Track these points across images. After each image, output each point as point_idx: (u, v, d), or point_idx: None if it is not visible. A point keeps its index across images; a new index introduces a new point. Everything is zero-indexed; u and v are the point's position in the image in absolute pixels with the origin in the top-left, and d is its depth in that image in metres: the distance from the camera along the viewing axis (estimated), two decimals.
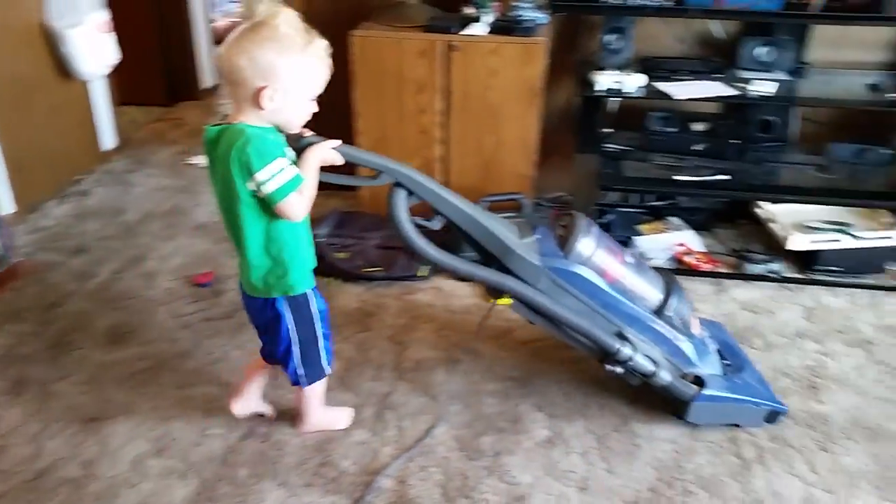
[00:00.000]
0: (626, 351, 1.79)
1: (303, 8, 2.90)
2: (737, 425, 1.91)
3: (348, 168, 1.67)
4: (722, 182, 2.57)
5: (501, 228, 1.78)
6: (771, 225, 2.71)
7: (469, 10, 2.60)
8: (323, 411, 1.88)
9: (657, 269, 1.99)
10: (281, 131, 1.56)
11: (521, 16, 2.52)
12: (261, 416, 1.94)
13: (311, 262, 1.68)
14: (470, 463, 1.79)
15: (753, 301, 2.48)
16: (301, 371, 1.74)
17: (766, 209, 2.76)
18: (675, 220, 2.84)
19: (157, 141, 3.92)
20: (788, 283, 2.58)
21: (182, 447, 1.84)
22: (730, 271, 2.64)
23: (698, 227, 2.87)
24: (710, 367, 1.91)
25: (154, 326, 2.31)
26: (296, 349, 1.70)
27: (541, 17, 2.54)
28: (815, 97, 2.69)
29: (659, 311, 1.87)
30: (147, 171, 3.52)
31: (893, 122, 2.85)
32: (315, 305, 1.69)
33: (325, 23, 1.58)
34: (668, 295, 1.88)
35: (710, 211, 2.92)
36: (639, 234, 2.77)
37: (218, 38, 5.50)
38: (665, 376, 1.83)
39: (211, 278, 2.54)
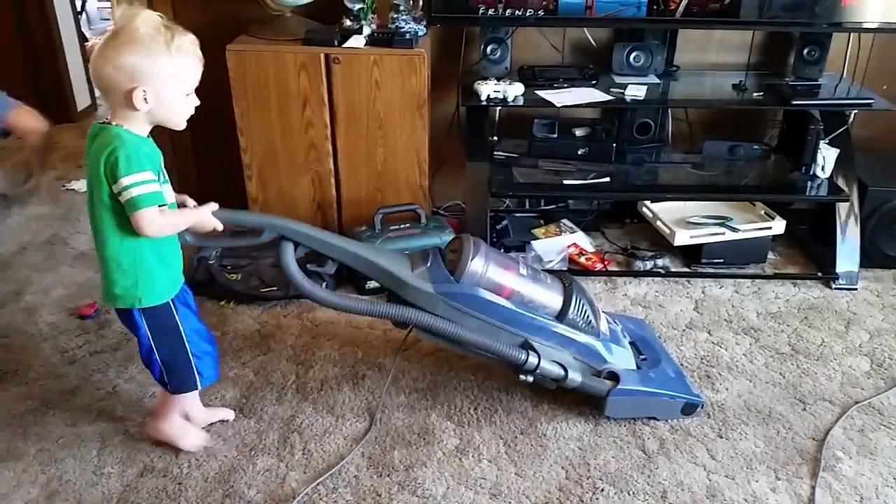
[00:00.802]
0: (532, 360, 1.84)
1: (173, 19, 2.83)
2: (654, 418, 1.97)
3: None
4: (605, 184, 2.67)
5: (391, 263, 1.84)
6: (656, 223, 2.82)
7: (348, 23, 2.59)
8: (177, 423, 1.83)
9: (557, 274, 2.04)
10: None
11: (400, 27, 2.54)
12: (223, 421, 1.94)
13: (169, 277, 1.66)
14: (381, 480, 1.77)
15: (645, 296, 2.58)
16: (166, 379, 1.72)
17: (650, 208, 2.87)
18: (566, 223, 2.92)
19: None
20: (676, 277, 2.70)
21: (76, 489, 1.73)
22: (621, 269, 2.73)
23: (589, 228, 2.97)
24: (623, 362, 1.97)
25: (38, 364, 2.17)
26: (157, 356, 1.69)
27: (420, 28, 2.56)
28: (685, 98, 2.84)
29: (561, 316, 1.91)
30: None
31: (759, 118, 3.05)
32: (178, 320, 1.67)
33: (196, 37, 1.55)
34: (567, 298, 1.93)
35: (599, 212, 3.03)
36: (534, 237, 2.83)
37: None
38: (576, 377, 1.88)
39: (95, 309, 2.41)
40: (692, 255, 2.76)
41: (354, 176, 2.66)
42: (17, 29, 3.90)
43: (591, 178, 2.68)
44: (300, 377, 2.12)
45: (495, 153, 2.82)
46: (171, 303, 1.66)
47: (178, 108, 1.57)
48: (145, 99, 1.49)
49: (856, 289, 2.62)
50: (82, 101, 4.49)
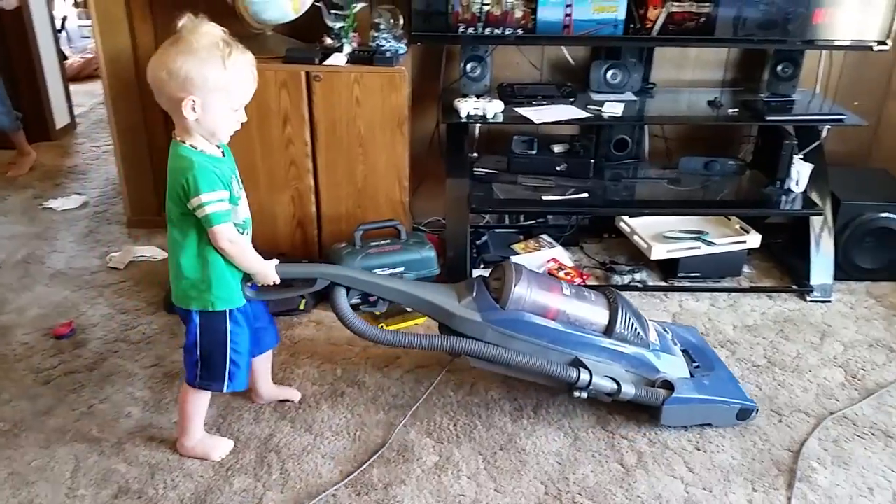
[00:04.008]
0: (584, 377, 1.87)
1: (153, 41, 2.84)
2: (710, 425, 1.99)
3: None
4: (584, 200, 2.69)
5: (438, 296, 1.92)
6: (634, 237, 2.85)
7: (329, 41, 2.61)
8: (199, 438, 1.89)
9: (601, 290, 2.08)
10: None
11: (380, 46, 2.56)
12: (284, 401, 2.06)
13: (238, 288, 1.75)
14: (360, 499, 1.76)
15: None
16: (198, 370, 1.79)
17: (628, 222, 2.90)
18: (546, 238, 2.94)
19: (7, 186, 3.67)
20: (654, 291, 2.72)
21: None
22: (599, 284, 2.75)
23: (568, 243, 2.99)
24: (676, 370, 1.99)
25: (11, 385, 2.14)
26: (198, 350, 1.76)
27: (401, 47, 2.58)
28: (661, 115, 2.88)
29: (608, 331, 1.94)
30: None
31: (734, 134, 3.09)
32: (229, 328, 1.75)
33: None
34: (613, 313, 1.96)
35: (578, 227, 3.05)
36: (514, 253, 2.84)
37: (72, 76, 5.26)
38: (629, 390, 1.91)
39: (71, 328, 2.39)
40: (669, 270, 2.78)
41: (335, 192, 2.66)
42: None
43: (570, 194, 2.70)
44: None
45: (475, 169, 2.83)
46: (227, 312, 1.74)
47: (224, 123, 1.63)
48: (193, 108, 1.56)
49: (830, 301, 2.65)
50: (61, 119, 4.47)
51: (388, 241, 2.57)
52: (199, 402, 1.86)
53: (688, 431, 1.99)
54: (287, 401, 2.07)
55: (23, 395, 2.10)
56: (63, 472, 1.82)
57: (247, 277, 1.76)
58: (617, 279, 2.75)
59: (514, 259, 2.74)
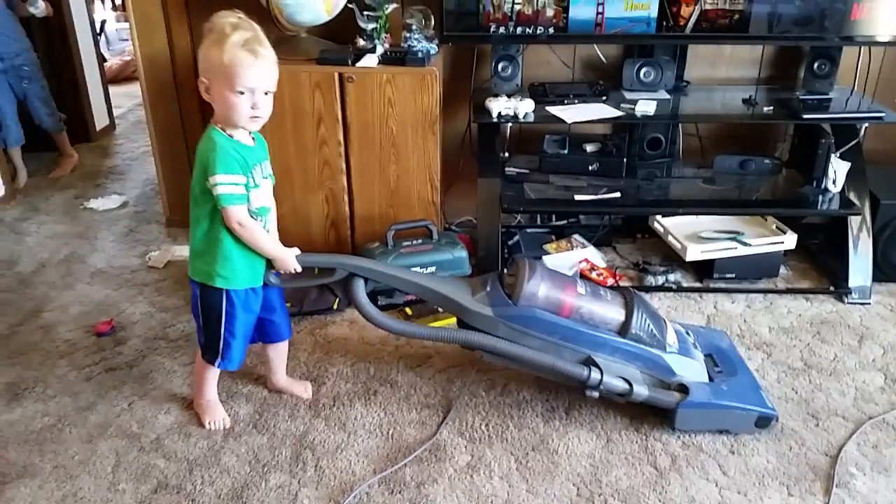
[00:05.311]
0: (595, 376, 1.87)
1: (189, 43, 2.89)
2: (727, 431, 1.98)
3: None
4: (616, 199, 2.67)
5: (453, 290, 1.94)
6: (668, 237, 2.82)
7: (362, 43, 2.63)
8: (205, 399, 2.01)
9: (618, 290, 2.07)
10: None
11: (412, 46, 2.57)
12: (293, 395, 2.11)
13: (244, 272, 1.81)
14: (392, 497, 1.78)
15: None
16: (202, 340, 1.92)
17: (662, 222, 2.88)
18: (578, 238, 2.93)
19: (49, 186, 3.77)
20: (688, 292, 2.69)
21: None
22: (633, 284, 2.73)
23: (600, 243, 2.97)
24: (693, 374, 1.97)
25: (55, 381, 2.20)
26: (200, 320, 1.88)
27: (432, 47, 2.60)
28: (696, 113, 2.85)
29: (623, 331, 1.93)
30: (40, 219, 3.38)
31: (770, 132, 3.05)
32: (224, 310, 1.82)
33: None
34: (629, 313, 1.95)
35: (611, 227, 3.04)
36: (546, 253, 2.84)
37: (111, 78, 5.36)
38: (642, 391, 1.90)
39: (112, 326, 2.45)
40: (704, 270, 2.75)
41: (367, 193, 2.69)
42: (41, 50, 3.97)
43: (602, 194, 2.69)
44: (313, 393, 2.14)
45: (507, 169, 2.84)
46: (224, 291, 1.81)
47: (232, 106, 1.67)
48: (208, 91, 1.67)
49: (869, 303, 2.60)
50: (101, 121, 4.57)
51: (420, 240, 2.58)
52: (205, 368, 1.96)
53: (722, 434, 1.98)
54: (297, 396, 2.12)
55: (66, 391, 2.15)
56: (105, 466, 1.87)
57: (270, 264, 1.83)
58: (651, 280, 2.73)
59: (545, 259, 2.74)
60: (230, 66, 1.62)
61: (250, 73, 1.65)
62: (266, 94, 1.71)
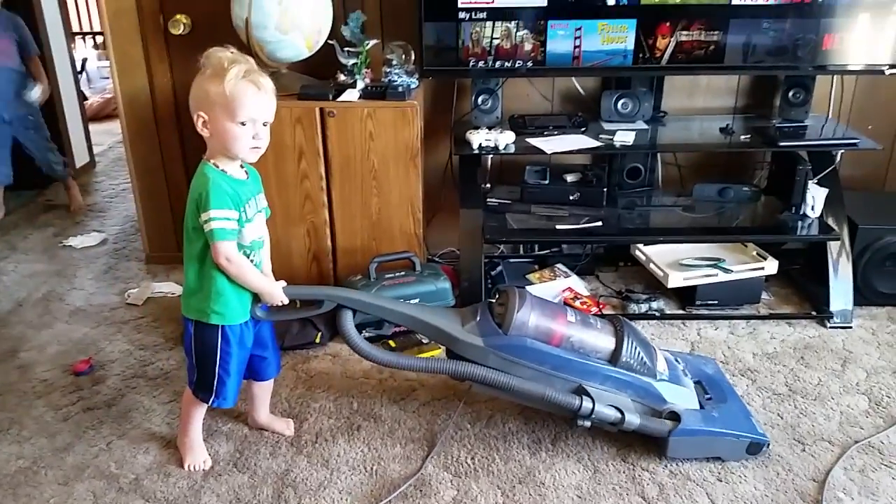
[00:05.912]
0: (586, 405, 1.85)
1: (170, 81, 2.89)
2: (717, 458, 1.96)
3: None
4: (598, 228, 2.69)
5: (442, 320, 1.93)
6: (650, 265, 2.83)
7: (342, 78, 2.65)
8: (189, 439, 1.96)
9: (608, 318, 2.06)
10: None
11: (393, 81, 2.59)
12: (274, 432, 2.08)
13: (237, 308, 1.79)
14: None
15: None
16: (193, 378, 1.86)
17: (643, 250, 2.89)
18: (561, 268, 2.93)
19: (27, 225, 3.73)
20: (672, 319, 2.70)
21: None
22: (616, 313, 2.73)
23: (583, 272, 2.98)
24: (684, 401, 1.96)
25: (31, 422, 2.16)
26: (193, 357, 1.84)
27: (413, 81, 2.62)
28: (674, 143, 2.88)
29: (614, 359, 1.92)
30: (18, 258, 3.34)
31: (748, 161, 3.09)
32: (220, 346, 1.79)
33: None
34: (619, 341, 1.94)
35: (593, 256, 3.05)
36: (529, 283, 2.84)
37: (92, 116, 5.36)
38: (633, 420, 1.89)
39: (90, 365, 2.41)
40: (686, 298, 2.76)
41: (349, 226, 2.68)
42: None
43: (584, 223, 2.70)
44: (294, 430, 2.11)
45: (488, 200, 2.85)
46: (220, 328, 1.78)
47: (234, 138, 1.67)
48: (205, 126, 1.66)
49: (851, 327, 2.62)
50: (81, 158, 4.56)
51: (403, 272, 2.58)
52: (195, 406, 1.92)
53: (710, 462, 1.96)
54: (279, 433, 2.09)
55: (42, 432, 2.11)
56: None
57: (257, 298, 1.81)
58: (634, 308, 2.73)
59: (528, 289, 2.74)
60: (232, 98, 1.62)
61: (253, 104, 1.65)
62: (265, 124, 1.71)
